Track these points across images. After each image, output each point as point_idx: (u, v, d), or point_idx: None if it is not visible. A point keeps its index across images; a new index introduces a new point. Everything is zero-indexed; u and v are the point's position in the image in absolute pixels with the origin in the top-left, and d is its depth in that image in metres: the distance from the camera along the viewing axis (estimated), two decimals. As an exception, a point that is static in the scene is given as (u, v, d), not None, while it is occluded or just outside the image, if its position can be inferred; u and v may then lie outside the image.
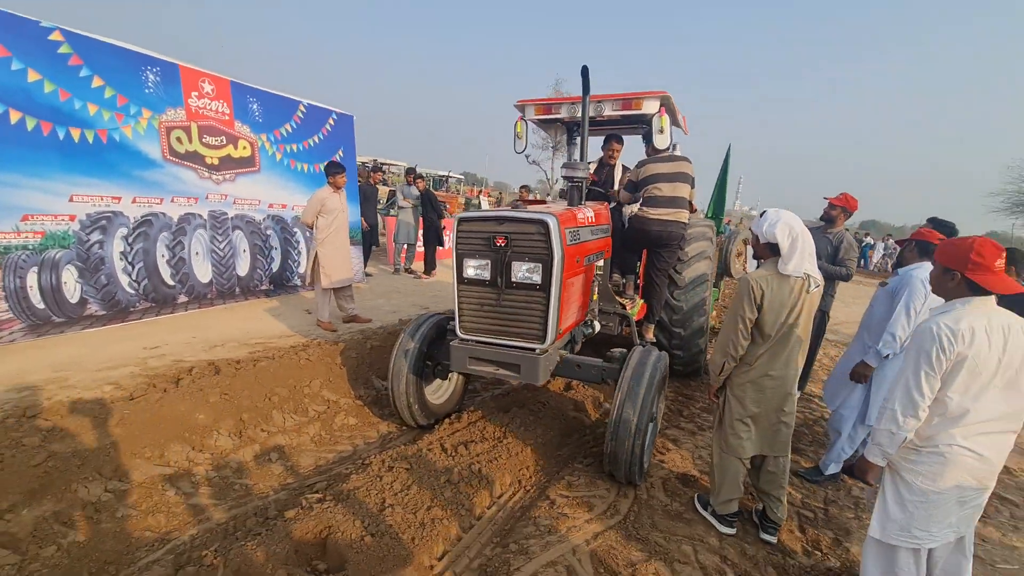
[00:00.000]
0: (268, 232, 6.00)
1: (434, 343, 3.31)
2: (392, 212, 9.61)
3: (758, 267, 2.42)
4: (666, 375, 3.07)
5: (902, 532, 1.83)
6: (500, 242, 2.66)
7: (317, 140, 6.61)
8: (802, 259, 2.22)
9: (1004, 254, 1.74)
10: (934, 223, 3.55)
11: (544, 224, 2.60)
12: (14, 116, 3.75)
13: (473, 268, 2.77)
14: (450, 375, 3.59)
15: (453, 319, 3.06)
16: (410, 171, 9.33)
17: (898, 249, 3.21)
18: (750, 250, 6.80)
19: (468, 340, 2.90)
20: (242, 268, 5.69)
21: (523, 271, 2.68)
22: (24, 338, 3.82)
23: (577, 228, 2.97)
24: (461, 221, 2.78)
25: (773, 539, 2.55)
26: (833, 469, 3.18)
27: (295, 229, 6.35)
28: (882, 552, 1.93)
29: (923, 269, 2.80)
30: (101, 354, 3.67)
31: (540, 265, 2.64)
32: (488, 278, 2.75)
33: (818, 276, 2.28)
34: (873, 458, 1.84)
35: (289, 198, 6.23)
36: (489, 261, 2.73)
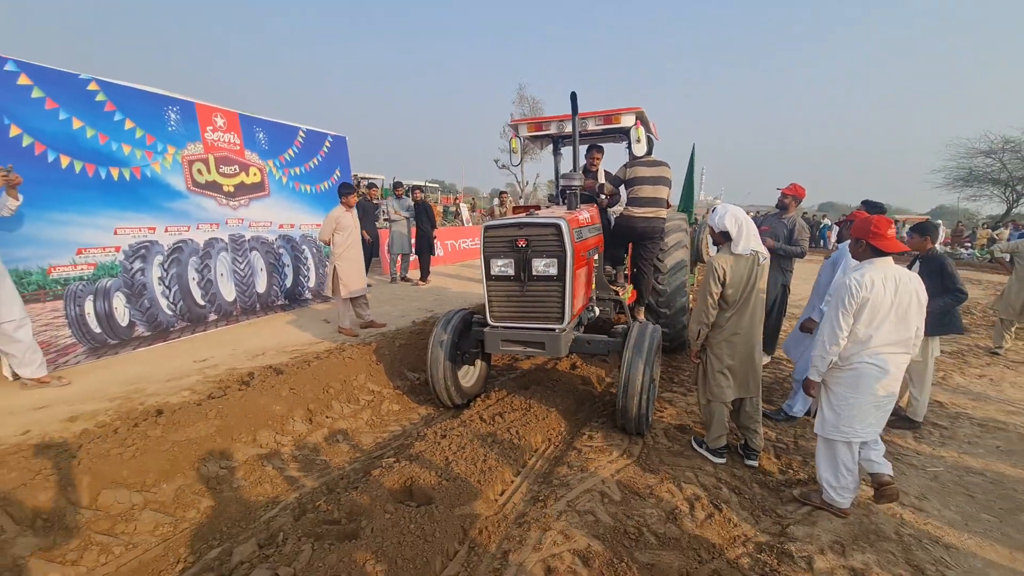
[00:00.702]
0: (280, 251, 6.45)
1: (463, 334, 3.88)
2: (384, 224, 10.10)
3: (718, 251, 3.10)
4: (660, 344, 3.72)
5: (835, 429, 2.57)
6: (521, 243, 3.27)
7: (316, 162, 7.08)
8: (748, 240, 2.92)
9: (893, 225, 2.47)
10: (867, 204, 4.35)
11: (557, 227, 3.22)
12: (64, 161, 4.17)
13: (499, 266, 3.37)
14: (476, 362, 4.17)
15: (476, 313, 3.63)
16: (398, 185, 9.85)
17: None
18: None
19: (498, 327, 3.50)
20: (260, 286, 6.13)
21: (542, 266, 3.29)
22: (87, 360, 4.23)
23: (580, 228, 3.61)
24: (488, 228, 3.38)
25: (755, 463, 3.21)
26: (799, 411, 3.89)
27: (303, 246, 6.81)
28: (826, 446, 2.68)
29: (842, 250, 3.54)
30: (161, 369, 4.11)
31: (556, 260, 3.26)
32: (512, 274, 3.36)
33: (764, 251, 2.97)
34: (812, 377, 2.59)
35: (296, 218, 6.69)
36: (512, 260, 3.33)
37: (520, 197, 22.24)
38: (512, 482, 2.91)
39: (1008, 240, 8.79)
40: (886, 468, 2.72)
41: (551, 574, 2.13)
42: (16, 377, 3.68)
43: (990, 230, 21.46)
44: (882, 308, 2.43)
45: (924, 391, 3.79)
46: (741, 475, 3.11)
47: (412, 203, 8.99)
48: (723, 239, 3.01)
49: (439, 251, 10.60)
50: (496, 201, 11.47)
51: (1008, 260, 5.88)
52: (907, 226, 23.67)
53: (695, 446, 3.38)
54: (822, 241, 23.45)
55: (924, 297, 2.51)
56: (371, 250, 8.57)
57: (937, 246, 3.86)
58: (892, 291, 2.43)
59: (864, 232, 2.53)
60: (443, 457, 2.94)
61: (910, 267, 3.76)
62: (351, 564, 2.02)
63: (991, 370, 5.37)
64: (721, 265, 2.88)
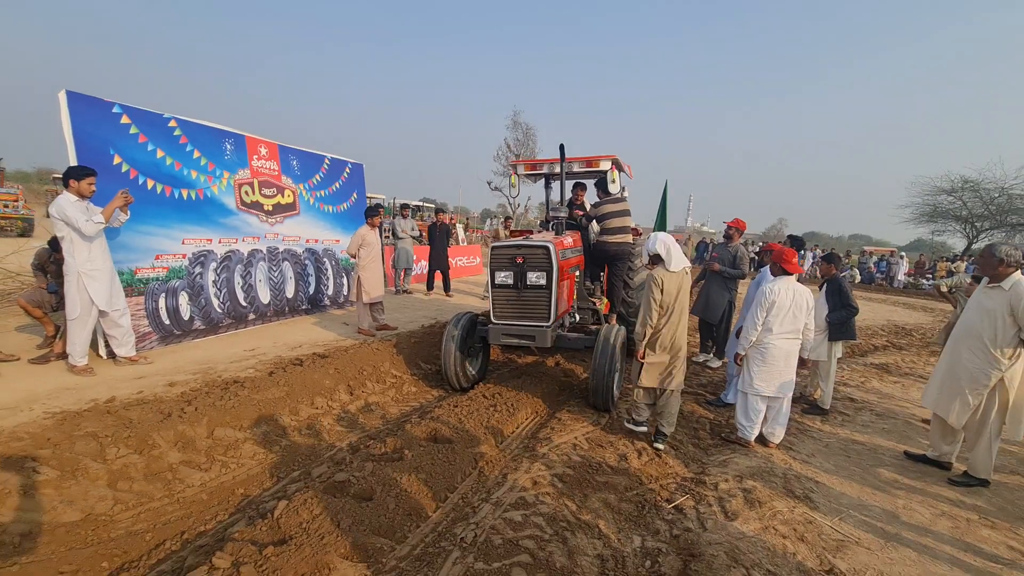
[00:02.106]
0: (306, 262, 7.42)
1: (469, 331, 4.88)
2: (390, 241, 11.12)
3: (652, 270, 4.12)
4: (625, 340, 4.74)
5: (749, 386, 3.71)
6: (519, 260, 4.32)
7: (338, 186, 8.12)
8: (679, 259, 3.75)
9: (798, 255, 3.63)
10: (791, 238, 5.48)
11: (547, 248, 4.28)
12: (150, 183, 5.16)
13: (502, 277, 4.41)
14: (479, 355, 5.17)
15: (480, 315, 4.63)
16: (405, 206, 10.93)
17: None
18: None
19: (499, 323, 4.52)
20: (289, 291, 7.08)
21: (534, 277, 4.33)
22: (158, 346, 5.14)
23: (564, 249, 4.67)
24: (494, 248, 4.43)
25: (662, 447, 3.82)
26: (731, 399, 4.92)
27: (324, 259, 7.78)
28: (743, 398, 3.83)
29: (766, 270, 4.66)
30: (221, 354, 5.05)
31: (545, 273, 4.30)
32: (511, 283, 4.39)
33: (689, 265, 3.84)
34: (739, 351, 3.72)
35: (320, 234, 7.68)
36: (512, 272, 4.37)
37: (512, 217, 23.62)
38: (508, 436, 3.89)
39: (963, 273, 9.74)
40: (775, 438, 3.86)
41: (535, 484, 3.11)
42: (111, 356, 4.60)
43: (949, 263, 23.05)
44: (783, 309, 3.66)
45: (829, 384, 4.86)
46: (681, 439, 4.12)
47: (415, 223, 10.04)
48: (655, 261, 3.82)
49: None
50: (502, 225, 12.81)
51: (951, 293, 6.43)
52: (874, 257, 24.94)
53: (626, 423, 4.15)
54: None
55: (811, 304, 3.76)
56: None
57: (854, 270, 5.00)
58: (790, 298, 3.68)
59: (778, 259, 3.80)
60: (457, 418, 3.92)
61: (820, 287, 4.89)
62: (400, 474, 2.99)
63: (906, 379, 6.47)
64: (660, 277, 3.73)
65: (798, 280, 3.85)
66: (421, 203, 26.16)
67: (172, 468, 2.99)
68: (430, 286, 10.08)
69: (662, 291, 3.74)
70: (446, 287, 10.11)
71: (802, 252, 5.01)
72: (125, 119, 4.95)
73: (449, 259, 10.41)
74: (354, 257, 6.43)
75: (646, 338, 3.84)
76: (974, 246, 27.59)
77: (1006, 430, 3.56)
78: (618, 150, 5.66)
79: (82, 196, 4.10)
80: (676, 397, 3.92)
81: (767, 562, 2.53)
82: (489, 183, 29.42)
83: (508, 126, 30.20)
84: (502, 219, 13.93)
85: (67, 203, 3.98)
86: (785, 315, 3.69)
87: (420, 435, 3.61)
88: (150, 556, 2.41)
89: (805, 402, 5.04)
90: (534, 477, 3.20)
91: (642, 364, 3.88)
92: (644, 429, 4.07)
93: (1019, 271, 3.44)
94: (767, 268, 4.70)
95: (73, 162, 4.39)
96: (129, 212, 4.52)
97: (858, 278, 23.15)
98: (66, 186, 4.11)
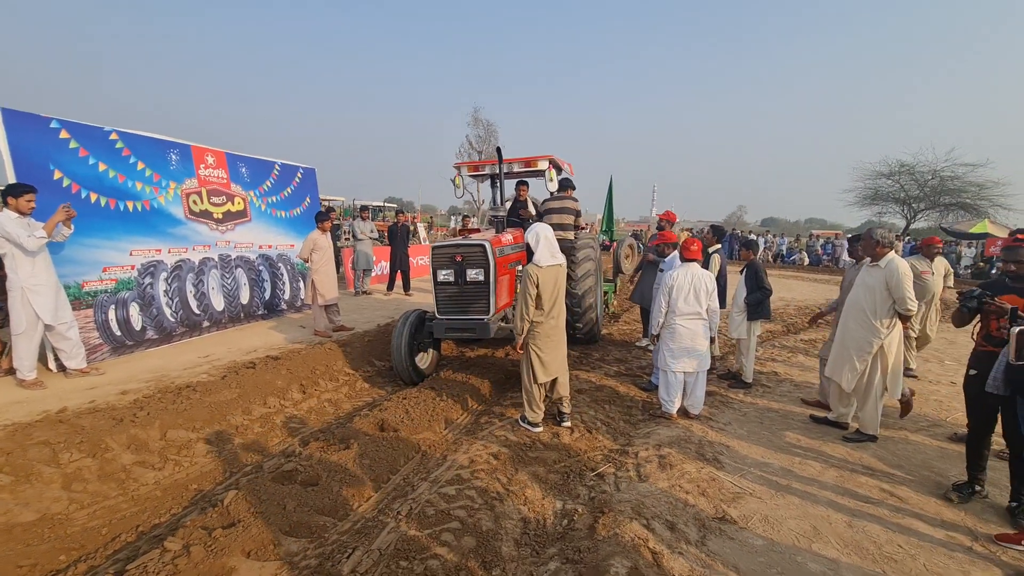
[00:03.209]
0: (260, 268, 7.51)
1: (417, 328, 5.14)
2: (348, 243, 11.23)
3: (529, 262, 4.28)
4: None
5: (664, 363, 4.13)
6: (459, 258, 4.61)
7: (290, 191, 8.21)
8: (550, 253, 3.67)
9: (699, 243, 4.03)
10: (713, 228, 5.94)
11: (483, 246, 4.58)
12: (93, 197, 5.20)
13: (443, 274, 4.69)
14: (428, 350, 5.43)
15: (429, 313, 4.90)
16: (364, 208, 11.05)
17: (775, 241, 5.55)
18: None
19: (443, 318, 4.80)
20: (244, 298, 7.17)
21: (473, 273, 4.62)
22: (111, 357, 5.21)
23: (503, 247, 4.98)
24: (434, 248, 4.70)
25: (568, 424, 4.10)
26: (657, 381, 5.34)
27: (279, 264, 7.88)
28: (662, 375, 4.24)
29: (674, 257, 5.06)
30: (175, 362, 5.16)
31: (483, 269, 4.60)
32: (453, 280, 4.68)
33: (564, 261, 3.85)
34: (653, 331, 4.08)
35: (274, 240, 7.77)
36: (453, 270, 4.66)
37: (475, 215, 23.93)
38: (453, 422, 4.19)
39: (902, 253, 10.71)
40: (695, 410, 4.28)
41: (472, 463, 3.41)
42: (61, 368, 4.66)
43: (888, 243, 24.48)
44: (683, 290, 4.07)
45: (750, 360, 5.34)
46: (614, 416, 4.50)
47: (374, 225, 10.19)
48: (530, 255, 3.77)
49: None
50: (460, 225, 13.15)
51: None
52: (821, 240, 26.23)
53: (520, 423, 4.09)
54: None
55: (711, 287, 4.12)
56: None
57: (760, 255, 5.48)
58: (690, 282, 4.08)
59: (682, 249, 4.21)
60: (404, 409, 4.18)
61: (741, 272, 5.35)
62: (346, 461, 3.25)
63: (827, 351, 7.06)
64: (535, 272, 3.64)
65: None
66: (384, 204, 26.08)
67: (126, 469, 3.16)
68: (390, 286, 10.27)
69: (537, 286, 3.66)
70: (406, 286, 10.31)
71: (723, 239, 5.46)
72: (64, 134, 4.99)
73: (410, 259, 10.61)
74: (307, 261, 6.58)
75: (523, 332, 3.80)
76: (912, 226, 29.37)
77: (887, 392, 4.07)
78: (583, 142, 6.01)
79: (21, 213, 4.16)
80: (567, 378, 4.04)
81: (667, 513, 2.91)
82: (452, 180, 29.54)
83: (469, 123, 30.42)
84: (461, 219, 14.24)
85: (7, 220, 4.05)
86: (686, 296, 4.10)
87: (368, 426, 3.86)
88: (106, 548, 2.60)
89: (731, 377, 5.52)
90: (472, 456, 3.50)
91: (534, 362, 3.83)
92: (540, 430, 4.02)
93: (892, 251, 3.94)
94: (671, 257, 5.13)
95: (12, 179, 4.43)
96: (73, 226, 4.59)
97: (807, 260, 24.41)
98: (5, 204, 4.16)
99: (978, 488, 3.28)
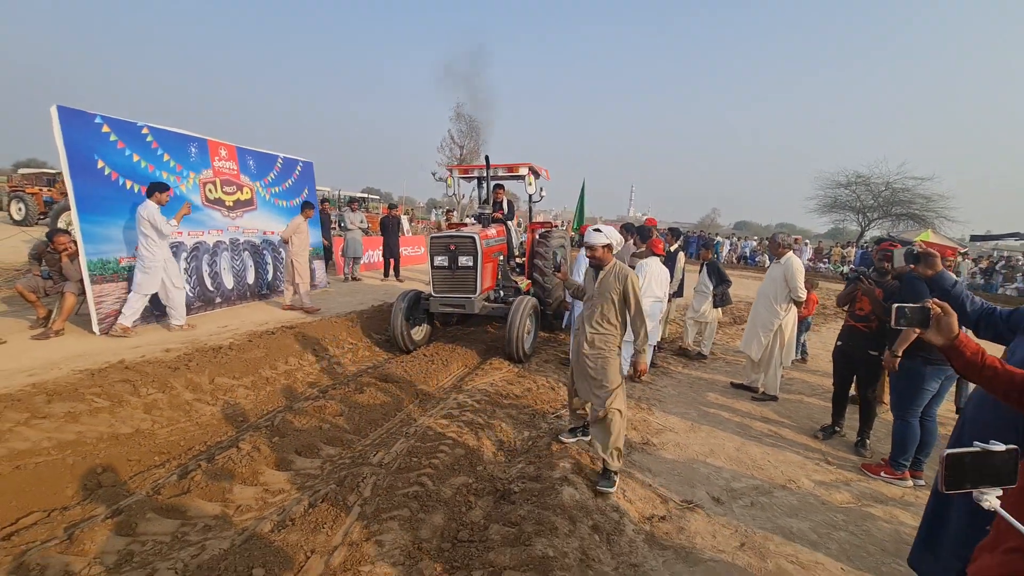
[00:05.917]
0: (263, 252, 8.27)
1: (413, 305, 6.06)
2: (338, 232, 11.99)
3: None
4: (536, 307, 6.06)
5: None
6: (452, 247, 5.55)
7: (290, 183, 8.98)
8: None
9: (663, 242, 5.04)
10: (671, 229, 7.02)
11: (473, 238, 5.54)
12: (128, 184, 5.94)
13: (439, 259, 5.63)
14: (423, 324, 6.36)
15: (423, 292, 5.85)
16: (353, 200, 11.81)
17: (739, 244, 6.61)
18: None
19: (437, 296, 5.75)
20: (250, 278, 7.94)
21: (463, 260, 5.58)
22: (141, 326, 5.97)
23: (488, 239, 5.94)
24: (433, 238, 5.64)
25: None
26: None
27: (280, 249, 8.65)
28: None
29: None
30: (199, 331, 5.96)
31: (472, 256, 5.56)
32: (447, 265, 5.63)
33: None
34: None
35: (276, 227, 8.52)
36: (447, 256, 5.60)
37: (455, 209, 24.79)
38: (444, 380, 5.15)
39: (854, 260, 12.04)
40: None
41: (459, 406, 4.38)
42: (104, 332, 5.43)
43: (841, 249, 26.36)
44: (654, 276, 4.99)
45: (710, 339, 6.46)
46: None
47: (363, 216, 11.01)
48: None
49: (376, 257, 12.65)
50: (444, 218, 14.21)
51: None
52: (801, 242, 27.82)
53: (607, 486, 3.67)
54: (715, 255, 27.54)
55: (666, 279, 5.13)
56: (327, 254, 10.48)
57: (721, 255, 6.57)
58: (657, 272, 5.02)
59: (651, 246, 5.13)
60: (405, 369, 5.13)
61: (700, 268, 6.43)
62: (362, 400, 4.17)
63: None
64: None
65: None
66: (365, 195, 26.65)
67: (188, 403, 4.03)
68: (386, 273, 11.17)
69: None
70: (396, 273, 11.17)
71: (679, 238, 6.56)
72: (105, 128, 5.71)
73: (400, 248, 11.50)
74: (287, 242, 7.42)
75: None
76: (867, 234, 31.45)
77: (784, 360, 5.20)
78: (563, 143, 6.98)
79: (160, 204, 5.44)
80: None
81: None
82: (434, 174, 30.16)
83: (452, 118, 31.06)
84: (444, 212, 15.15)
85: (155, 210, 5.40)
86: (652, 281, 5.11)
87: (374, 380, 4.79)
88: (186, 454, 3.48)
89: (683, 354, 6.62)
90: (460, 402, 4.47)
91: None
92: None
93: (790, 251, 5.05)
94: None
95: (66, 168, 5.17)
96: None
97: (768, 262, 26.03)
98: (150, 196, 5.50)
99: (837, 429, 4.42)
